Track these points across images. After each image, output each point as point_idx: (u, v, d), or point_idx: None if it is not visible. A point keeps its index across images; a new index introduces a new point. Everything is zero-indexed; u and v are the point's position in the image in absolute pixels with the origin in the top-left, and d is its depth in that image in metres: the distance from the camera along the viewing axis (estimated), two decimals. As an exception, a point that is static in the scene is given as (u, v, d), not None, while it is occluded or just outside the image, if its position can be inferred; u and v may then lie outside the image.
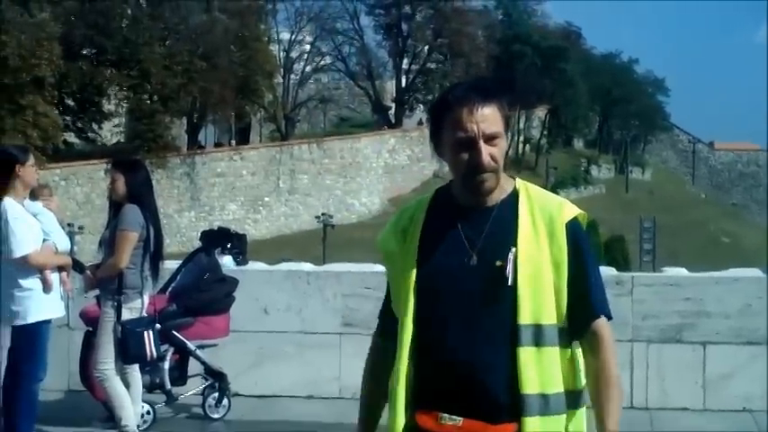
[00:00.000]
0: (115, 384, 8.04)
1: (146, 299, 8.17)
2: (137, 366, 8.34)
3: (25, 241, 7.70)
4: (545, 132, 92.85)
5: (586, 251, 3.38)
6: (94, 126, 61.09)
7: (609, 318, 3.40)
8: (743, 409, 9.26)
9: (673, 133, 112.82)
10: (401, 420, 3.33)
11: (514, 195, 3.38)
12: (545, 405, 3.24)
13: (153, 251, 8.17)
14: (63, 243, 8.31)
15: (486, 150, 3.24)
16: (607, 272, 9.46)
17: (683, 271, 10.25)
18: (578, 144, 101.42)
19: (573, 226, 3.35)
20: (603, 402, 3.34)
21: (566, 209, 3.37)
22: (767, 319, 9.25)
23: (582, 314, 3.32)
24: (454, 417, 3.26)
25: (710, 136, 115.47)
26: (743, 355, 9.31)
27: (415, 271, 3.37)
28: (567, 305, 3.31)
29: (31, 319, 7.77)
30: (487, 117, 3.25)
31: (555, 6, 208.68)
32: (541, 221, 3.32)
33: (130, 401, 8.13)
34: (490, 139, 3.25)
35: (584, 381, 3.38)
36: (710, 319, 9.33)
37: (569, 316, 3.31)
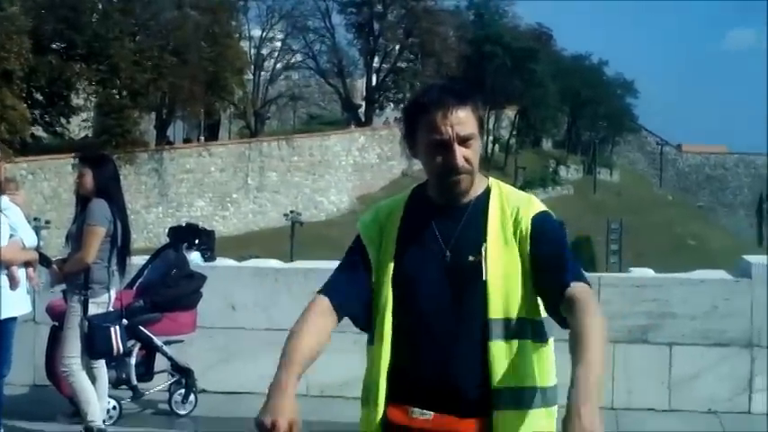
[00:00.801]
0: (81, 379, 8.01)
1: (112, 294, 8.14)
2: (103, 361, 8.32)
3: None
4: (514, 132, 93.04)
5: (555, 235, 3.38)
6: (63, 120, 60.79)
7: (587, 285, 3.30)
8: (708, 411, 9.31)
9: (641, 135, 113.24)
10: (379, 414, 3.35)
11: (487, 193, 3.42)
12: (515, 399, 3.27)
13: (120, 246, 8.14)
14: (30, 238, 8.27)
15: (460, 152, 3.28)
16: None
17: (649, 272, 10.31)
18: (547, 144, 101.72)
19: (539, 218, 3.38)
20: (576, 360, 3.03)
21: (533, 203, 3.43)
22: (733, 320, 9.31)
23: (555, 288, 3.27)
24: (425, 411, 3.29)
25: (678, 138, 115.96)
26: (709, 357, 9.36)
27: (392, 270, 3.40)
28: (541, 283, 3.31)
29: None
30: (462, 120, 3.28)
31: (526, 8, 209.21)
32: (510, 216, 3.37)
33: (96, 396, 8.10)
34: (464, 141, 3.29)
35: (555, 378, 3.40)
36: (676, 321, 9.37)
37: (547, 293, 3.31)
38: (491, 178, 3.49)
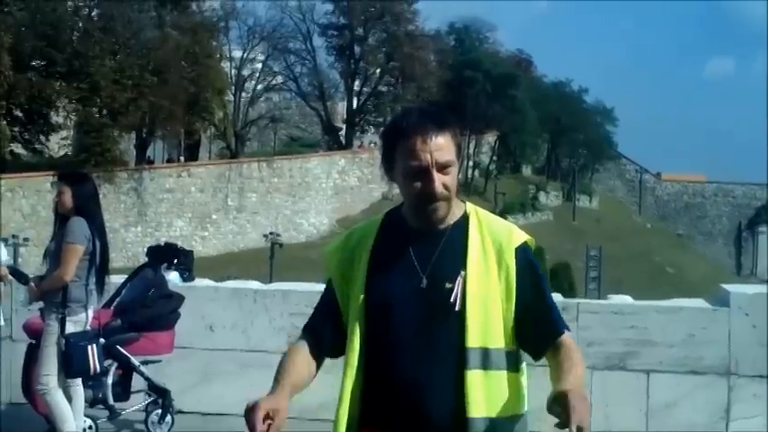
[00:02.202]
0: (57, 398, 7.97)
1: (90, 312, 8.12)
2: (79, 380, 8.29)
3: None
4: (494, 158, 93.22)
5: (540, 274, 3.43)
6: (42, 138, 60.47)
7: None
8: (685, 438, 9.33)
9: (620, 163, 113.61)
10: None
11: (465, 219, 3.42)
12: (491, 429, 3.26)
13: (99, 265, 8.12)
14: (3, 253, 8.28)
15: (439, 179, 3.28)
16: (552, 298, 9.48)
17: (628, 299, 10.32)
18: (527, 171, 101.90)
19: (523, 250, 3.40)
20: (560, 367, 3.27)
21: (515, 234, 3.43)
22: (710, 349, 9.33)
23: (546, 333, 3.36)
24: None
25: (657, 167, 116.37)
26: (686, 385, 9.37)
27: (363, 294, 3.39)
28: (526, 327, 3.35)
29: None
30: (441, 146, 3.28)
31: (507, 34, 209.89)
32: (491, 245, 3.36)
33: (72, 415, 8.06)
34: (443, 167, 3.29)
35: (526, 406, 3.40)
36: (654, 348, 9.39)
37: (532, 337, 3.35)
38: (468, 203, 3.50)
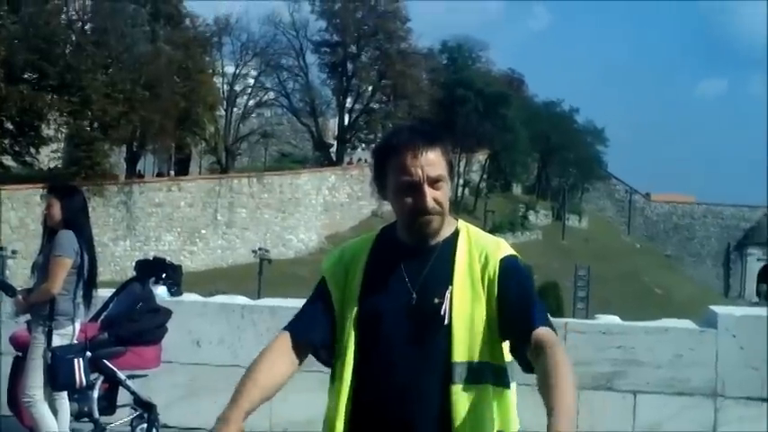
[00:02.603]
0: (43, 411, 7.96)
1: (77, 326, 8.10)
2: (65, 393, 8.26)
3: None
4: (484, 176, 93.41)
5: (523, 280, 3.40)
6: (32, 150, 60.44)
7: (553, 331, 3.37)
8: (671, 460, 9.33)
9: (610, 183, 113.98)
10: None
11: (455, 235, 3.44)
12: None
13: (87, 278, 8.11)
14: None
15: (430, 194, 3.30)
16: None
17: (615, 319, 10.32)
18: (517, 189, 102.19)
19: (508, 261, 3.41)
20: (549, 388, 3.12)
21: (501, 247, 3.45)
22: (697, 370, 9.33)
23: (522, 332, 3.31)
24: None
25: (647, 187, 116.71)
26: (673, 405, 9.37)
27: (356, 310, 3.40)
28: (506, 329, 3.33)
29: None
30: (432, 161, 3.30)
31: (499, 53, 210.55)
32: (477, 260, 3.38)
33: (57, 428, 8.04)
34: (434, 182, 3.31)
35: (517, 425, 3.40)
36: (641, 368, 9.38)
37: (511, 338, 3.34)
38: (460, 220, 3.51)
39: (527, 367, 3.33)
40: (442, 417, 3.26)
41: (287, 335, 3.47)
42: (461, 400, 3.26)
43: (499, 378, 3.35)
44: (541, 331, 3.30)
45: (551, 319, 3.45)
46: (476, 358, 3.30)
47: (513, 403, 3.40)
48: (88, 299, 8.27)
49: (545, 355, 3.22)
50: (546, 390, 3.11)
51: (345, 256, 3.54)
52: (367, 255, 3.49)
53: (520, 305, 3.34)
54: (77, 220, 8.13)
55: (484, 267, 3.37)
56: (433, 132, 3.40)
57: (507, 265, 3.39)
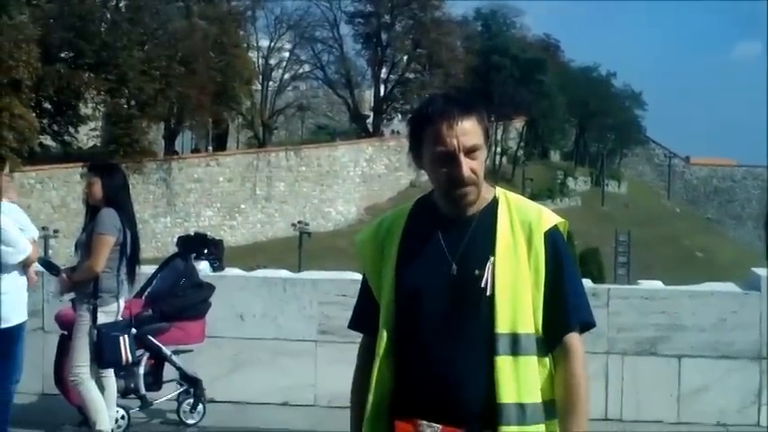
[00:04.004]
0: (90, 388, 8.02)
1: (121, 303, 8.15)
2: (112, 371, 8.32)
3: (22, 243, 7.86)
4: (522, 144, 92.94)
5: (566, 261, 3.40)
6: (71, 129, 60.81)
7: (591, 325, 3.46)
8: (717, 423, 9.30)
9: (649, 147, 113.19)
10: (376, 429, 3.37)
11: (494, 204, 3.40)
12: (522, 415, 3.25)
13: (130, 255, 8.15)
14: (34, 232, 8.41)
15: (466, 164, 3.26)
16: (583, 284, 9.48)
17: (658, 284, 10.28)
18: (555, 156, 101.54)
19: (552, 235, 3.38)
20: (567, 410, 3.34)
21: (544, 217, 3.40)
22: (742, 333, 9.30)
23: (556, 327, 3.34)
24: (432, 424, 3.27)
25: (686, 150, 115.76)
26: (717, 369, 9.35)
27: (394, 282, 3.38)
28: (543, 316, 3.33)
29: (15, 321, 7.84)
30: (467, 130, 3.26)
31: (534, 19, 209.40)
32: (520, 230, 3.34)
33: (105, 405, 8.11)
34: (470, 152, 3.27)
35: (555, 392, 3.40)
36: (685, 333, 9.36)
37: (545, 327, 3.33)
38: (498, 188, 3.48)
39: (551, 347, 3.38)
40: (487, 389, 3.24)
41: (365, 341, 3.57)
42: (506, 372, 3.24)
43: (542, 348, 3.33)
44: (573, 339, 3.37)
45: (589, 292, 3.48)
46: (519, 329, 3.27)
47: (551, 372, 3.38)
48: (132, 276, 8.32)
49: (566, 368, 3.37)
50: (567, 411, 3.34)
51: (382, 229, 3.52)
52: (403, 226, 3.46)
53: (556, 301, 3.35)
54: (118, 198, 8.16)
55: (529, 239, 3.33)
56: (468, 101, 3.36)
57: (553, 240, 3.37)
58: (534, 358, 3.30)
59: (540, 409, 3.30)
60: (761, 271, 9.71)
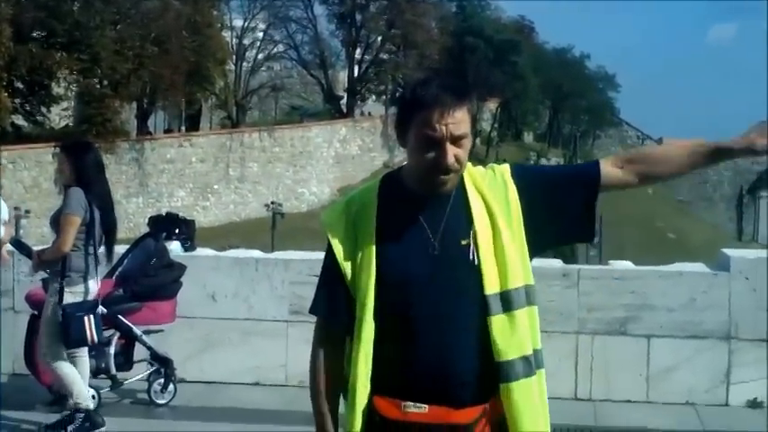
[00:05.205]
0: (62, 365, 8.02)
1: (91, 283, 8.11)
2: (85, 350, 8.33)
3: None
4: (496, 125, 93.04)
5: (542, 167, 3.52)
6: (43, 109, 60.41)
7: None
8: (686, 402, 9.38)
9: (622, 129, 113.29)
10: (359, 417, 3.34)
11: (461, 178, 3.42)
12: (528, 367, 3.31)
13: (106, 234, 8.15)
14: (5, 213, 8.38)
15: (451, 151, 3.28)
16: (554, 264, 9.55)
17: (628, 264, 10.34)
18: (528, 137, 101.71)
19: (516, 171, 3.50)
20: (684, 150, 3.53)
21: (501, 168, 3.51)
22: (711, 313, 9.36)
23: (589, 179, 3.54)
24: (419, 404, 3.28)
25: (659, 132, 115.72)
26: (687, 349, 9.42)
27: (374, 263, 3.37)
28: (569, 203, 3.48)
29: None
30: (458, 119, 3.27)
31: (509, 1, 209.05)
32: (488, 190, 3.41)
33: (80, 378, 8.11)
34: (457, 140, 3.28)
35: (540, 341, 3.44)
36: (655, 313, 9.42)
37: (580, 199, 3.51)
38: None
39: (590, 236, 3.58)
40: (480, 357, 3.27)
41: (324, 325, 3.53)
42: (502, 330, 3.28)
43: (530, 297, 3.38)
44: (611, 157, 3.57)
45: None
46: (508, 286, 3.31)
47: (537, 319, 3.42)
48: (110, 255, 8.37)
49: (652, 150, 3.69)
50: (683, 153, 3.53)
51: (352, 210, 3.50)
52: (375, 205, 3.45)
53: (565, 174, 3.55)
54: (88, 177, 8.14)
55: (500, 193, 3.41)
56: (461, 88, 3.36)
57: (520, 173, 3.47)
58: (525, 309, 3.35)
59: (535, 357, 3.36)
60: (731, 252, 9.79)
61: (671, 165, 3.53)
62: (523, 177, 3.45)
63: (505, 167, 3.51)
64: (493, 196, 3.40)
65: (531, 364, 3.31)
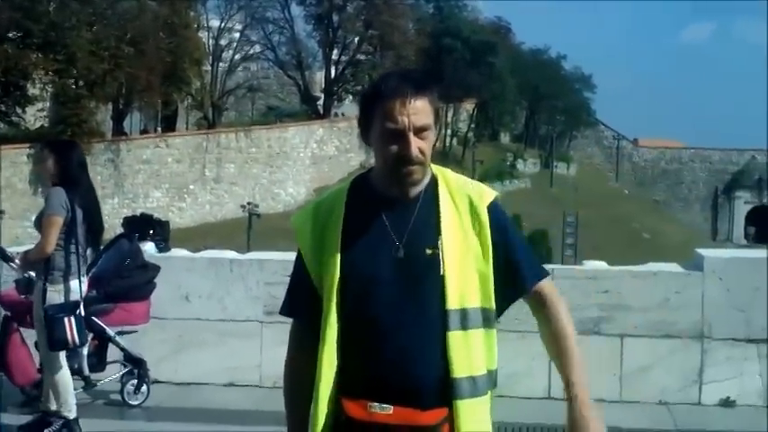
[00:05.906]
0: (62, 373, 8.03)
1: (72, 282, 8.05)
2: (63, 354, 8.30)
3: None
4: (472, 126, 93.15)
5: (511, 230, 3.51)
6: (18, 110, 60.14)
7: (547, 274, 3.56)
8: (659, 402, 9.42)
9: (598, 129, 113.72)
10: (322, 417, 3.35)
11: (433, 183, 3.42)
12: (474, 387, 3.31)
13: (87, 232, 8.13)
14: None
15: (415, 143, 3.27)
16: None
17: (602, 264, 10.37)
18: (505, 138, 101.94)
19: (494, 207, 3.44)
20: (559, 356, 3.54)
21: (484, 191, 3.46)
22: (684, 313, 9.40)
23: (522, 281, 3.46)
24: (384, 405, 3.28)
25: (635, 133, 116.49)
26: (660, 349, 9.45)
27: (339, 266, 3.36)
28: (500, 282, 3.40)
29: None
30: (419, 109, 3.27)
31: (486, 2, 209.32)
32: (463, 206, 3.39)
33: (72, 391, 8.10)
34: (420, 131, 3.28)
35: (496, 362, 3.44)
36: (629, 313, 9.45)
37: (503, 292, 3.43)
38: (434, 165, 3.48)
39: (501, 313, 3.46)
40: (440, 365, 3.27)
41: (297, 327, 3.58)
42: (458, 347, 3.28)
43: (488, 320, 3.38)
44: (545, 284, 3.49)
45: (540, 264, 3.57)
46: (468, 304, 3.31)
47: (495, 341, 3.44)
48: (95, 254, 8.38)
49: (551, 315, 3.51)
50: (558, 355, 3.54)
51: (321, 213, 3.49)
52: (343, 208, 3.45)
53: (518, 257, 3.44)
54: (71, 176, 8.11)
55: (473, 215, 3.38)
56: (422, 80, 3.35)
57: (496, 213, 3.43)
58: (481, 330, 3.36)
59: (486, 378, 3.36)
60: (704, 252, 9.83)
61: (548, 347, 3.59)
62: (496, 222, 3.44)
63: (490, 194, 3.47)
64: (466, 210, 3.40)
65: (477, 385, 3.31)
